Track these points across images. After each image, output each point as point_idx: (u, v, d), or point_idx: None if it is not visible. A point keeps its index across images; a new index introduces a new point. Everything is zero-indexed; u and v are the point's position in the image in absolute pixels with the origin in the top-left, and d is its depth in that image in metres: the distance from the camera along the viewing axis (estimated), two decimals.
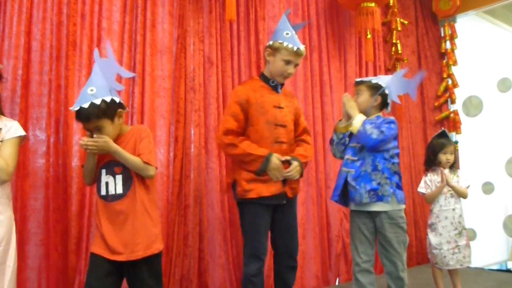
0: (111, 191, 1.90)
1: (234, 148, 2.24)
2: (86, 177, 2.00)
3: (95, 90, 1.84)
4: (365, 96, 2.46)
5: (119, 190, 1.89)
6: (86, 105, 1.80)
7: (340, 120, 2.52)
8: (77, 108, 1.83)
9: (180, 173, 2.91)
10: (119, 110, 1.92)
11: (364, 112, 2.42)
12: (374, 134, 2.28)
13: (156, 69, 2.90)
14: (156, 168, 1.97)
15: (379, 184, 2.32)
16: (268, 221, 2.32)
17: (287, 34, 2.33)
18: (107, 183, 1.91)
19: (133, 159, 1.88)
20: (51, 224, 2.42)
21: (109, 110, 1.86)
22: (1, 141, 1.82)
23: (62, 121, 2.52)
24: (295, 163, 2.31)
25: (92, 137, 1.85)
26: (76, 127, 2.52)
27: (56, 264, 2.42)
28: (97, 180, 1.96)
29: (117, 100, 1.92)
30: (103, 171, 1.92)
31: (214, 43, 3.13)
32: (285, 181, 2.32)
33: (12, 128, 1.87)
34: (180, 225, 2.88)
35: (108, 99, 1.85)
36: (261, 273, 2.29)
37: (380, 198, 2.33)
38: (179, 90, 2.97)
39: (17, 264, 1.87)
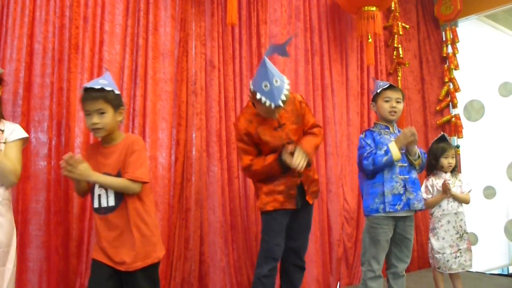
0: (103, 203, 1.88)
1: (255, 174, 2.39)
2: (78, 193, 2.03)
3: (107, 82, 1.90)
4: (402, 106, 2.54)
5: (111, 202, 1.88)
6: (97, 86, 1.85)
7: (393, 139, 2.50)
8: (89, 86, 1.86)
9: (181, 176, 2.91)
10: (121, 107, 1.95)
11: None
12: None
13: (158, 72, 2.90)
14: (145, 182, 1.91)
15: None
16: (284, 225, 2.41)
17: (265, 86, 2.10)
18: (99, 196, 1.90)
19: (116, 183, 1.86)
20: (52, 227, 2.42)
21: (115, 100, 1.90)
22: (4, 143, 1.82)
23: (64, 124, 2.52)
24: (296, 152, 2.27)
25: (91, 122, 1.84)
26: (78, 130, 2.53)
27: (57, 267, 2.42)
28: (91, 193, 1.95)
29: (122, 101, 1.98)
30: (96, 184, 1.90)
31: (216, 46, 3.14)
32: (302, 189, 2.41)
33: (16, 131, 1.88)
34: (181, 228, 2.87)
35: (117, 92, 1.93)
36: (272, 276, 2.34)
37: None
38: (181, 93, 2.97)
39: (18, 267, 1.87)
